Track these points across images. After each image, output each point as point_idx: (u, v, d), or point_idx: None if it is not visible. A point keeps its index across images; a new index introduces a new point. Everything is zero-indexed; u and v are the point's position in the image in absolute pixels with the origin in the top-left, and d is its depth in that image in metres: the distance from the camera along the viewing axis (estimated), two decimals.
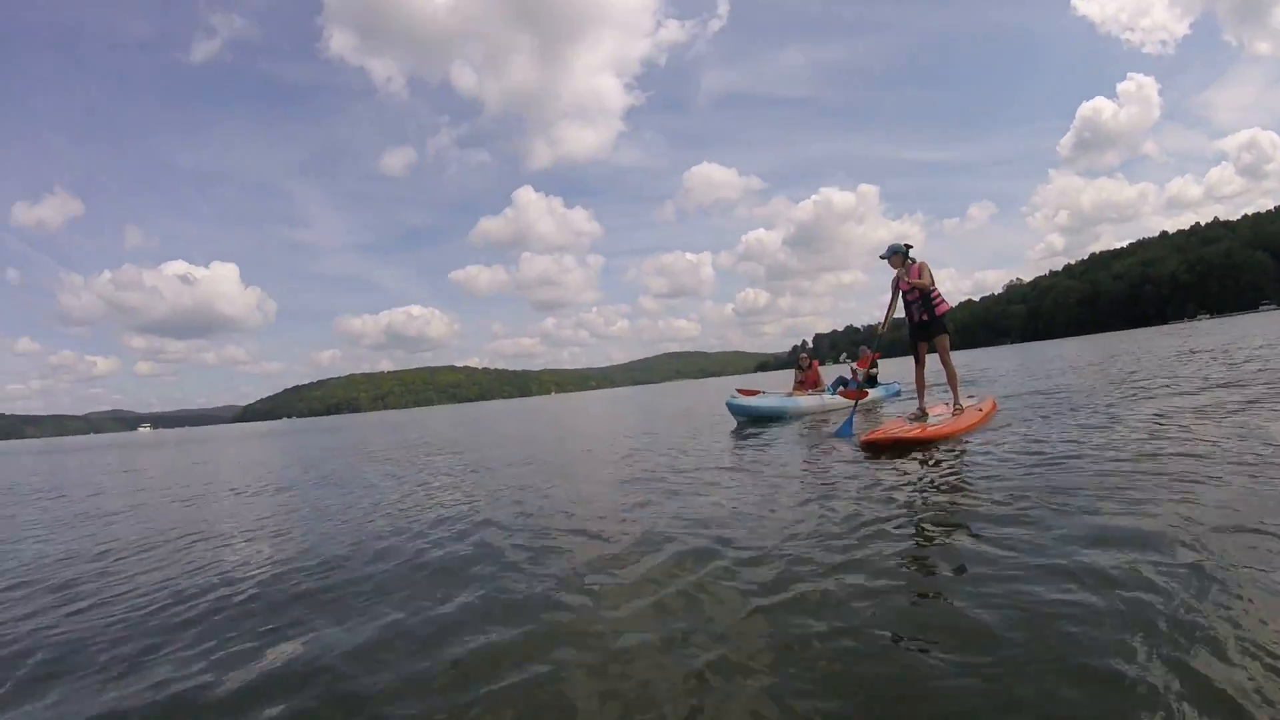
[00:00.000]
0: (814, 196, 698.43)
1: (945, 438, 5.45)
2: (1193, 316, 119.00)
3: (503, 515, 4.30)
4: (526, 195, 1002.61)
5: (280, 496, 6.67)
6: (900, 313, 6.69)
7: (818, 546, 2.87)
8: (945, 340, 6.53)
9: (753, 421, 9.48)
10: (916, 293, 6.51)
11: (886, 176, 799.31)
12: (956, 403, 6.58)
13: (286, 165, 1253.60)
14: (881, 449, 5.27)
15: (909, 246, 6.73)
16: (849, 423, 6.93)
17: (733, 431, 8.70)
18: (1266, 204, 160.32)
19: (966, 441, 5.26)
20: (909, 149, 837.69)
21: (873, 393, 11.14)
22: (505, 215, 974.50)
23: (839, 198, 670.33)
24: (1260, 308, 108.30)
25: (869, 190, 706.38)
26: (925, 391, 6.75)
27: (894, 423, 6.19)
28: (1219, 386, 7.03)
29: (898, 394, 12.18)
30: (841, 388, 11.07)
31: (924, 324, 6.54)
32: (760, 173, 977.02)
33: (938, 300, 6.52)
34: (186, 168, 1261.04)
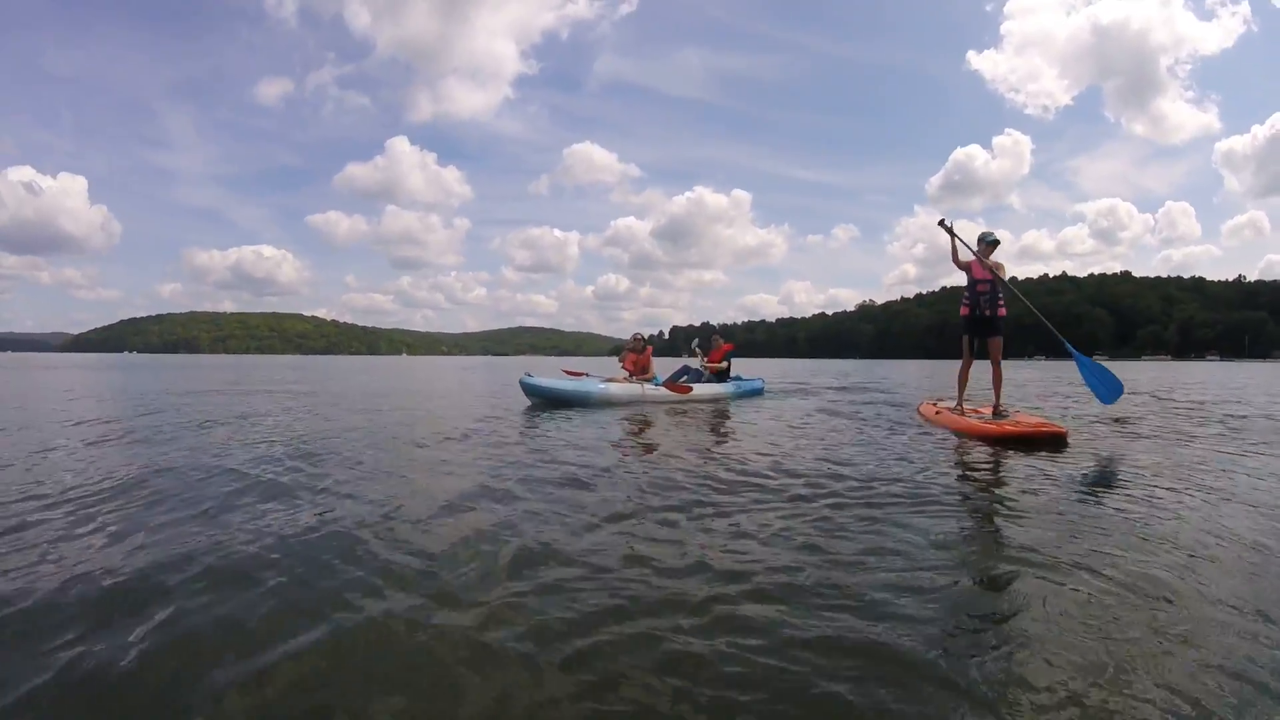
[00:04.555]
0: (688, 193, 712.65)
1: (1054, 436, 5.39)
2: (1030, 356, 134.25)
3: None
4: (401, 146, 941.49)
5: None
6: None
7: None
8: (1000, 342, 6.52)
9: (552, 405, 8.61)
10: (988, 286, 6.45)
11: (761, 187, 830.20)
12: (998, 405, 6.42)
13: (159, 83, 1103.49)
14: (1003, 443, 5.31)
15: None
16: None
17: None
18: (1115, 267, 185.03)
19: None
20: (787, 165, 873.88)
21: (721, 388, 10.36)
22: (375, 164, 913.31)
23: (712, 199, 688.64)
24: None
25: (742, 196, 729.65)
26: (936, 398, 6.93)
27: (947, 413, 6.64)
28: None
29: (760, 391, 11.24)
30: (683, 379, 10.14)
31: (986, 320, 6.51)
32: (640, 162, 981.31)
33: (1003, 301, 6.48)
34: (56, 71, 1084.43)
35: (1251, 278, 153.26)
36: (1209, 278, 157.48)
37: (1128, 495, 3.52)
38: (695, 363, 10.87)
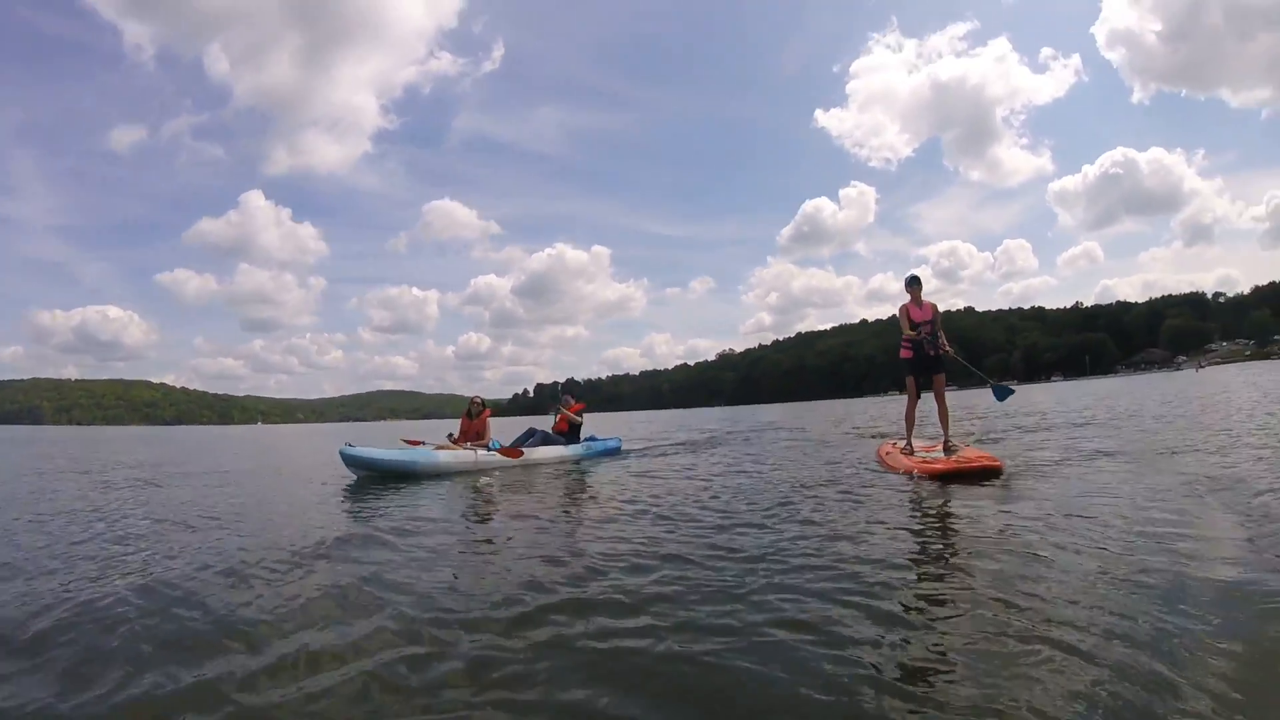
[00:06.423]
0: (549, 250, 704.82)
1: (991, 469, 5.65)
2: (885, 392, 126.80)
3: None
4: (256, 200, 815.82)
5: None
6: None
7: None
8: (943, 379, 6.76)
9: (378, 478, 8.01)
10: (930, 328, 6.65)
11: (620, 242, 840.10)
12: (948, 441, 6.57)
13: (5, 125, 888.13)
14: (948, 478, 5.49)
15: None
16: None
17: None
18: (959, 303, 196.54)
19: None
20: (645, 221, 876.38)
21: (567, 451, 9.94)
22: (229, 219, 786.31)
23: (572, 255, 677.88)
24: (946, 389, 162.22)
25: (602, 251, 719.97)
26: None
27: (898, 454, 6.73)
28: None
29: (616, 451, 10.71)
30: (529, 441, 9.78)
31: (932, 359, 6.68)
32: (500, 219, 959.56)
33: (943, 339, 6.66)
34: None
35: (1089, 303, 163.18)
36: (1048, 306, 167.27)
37: (1038, 526, 3.74)
38: (545, 424, 10.84)
